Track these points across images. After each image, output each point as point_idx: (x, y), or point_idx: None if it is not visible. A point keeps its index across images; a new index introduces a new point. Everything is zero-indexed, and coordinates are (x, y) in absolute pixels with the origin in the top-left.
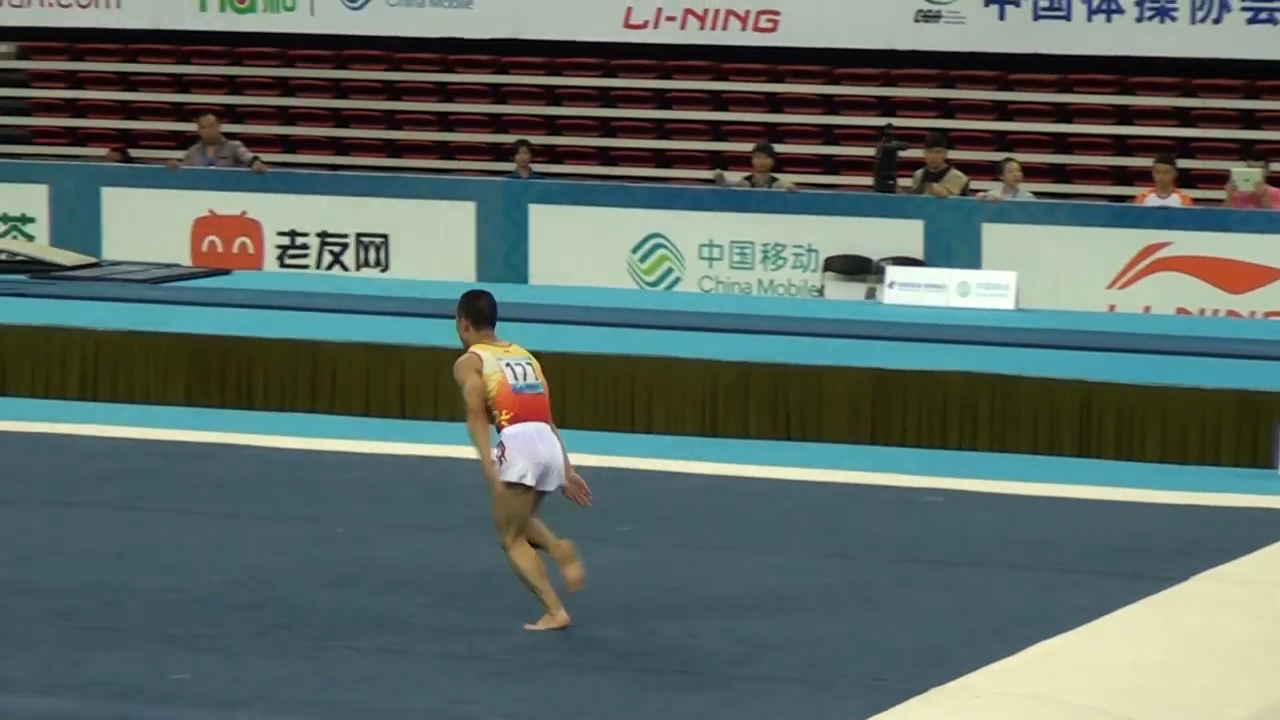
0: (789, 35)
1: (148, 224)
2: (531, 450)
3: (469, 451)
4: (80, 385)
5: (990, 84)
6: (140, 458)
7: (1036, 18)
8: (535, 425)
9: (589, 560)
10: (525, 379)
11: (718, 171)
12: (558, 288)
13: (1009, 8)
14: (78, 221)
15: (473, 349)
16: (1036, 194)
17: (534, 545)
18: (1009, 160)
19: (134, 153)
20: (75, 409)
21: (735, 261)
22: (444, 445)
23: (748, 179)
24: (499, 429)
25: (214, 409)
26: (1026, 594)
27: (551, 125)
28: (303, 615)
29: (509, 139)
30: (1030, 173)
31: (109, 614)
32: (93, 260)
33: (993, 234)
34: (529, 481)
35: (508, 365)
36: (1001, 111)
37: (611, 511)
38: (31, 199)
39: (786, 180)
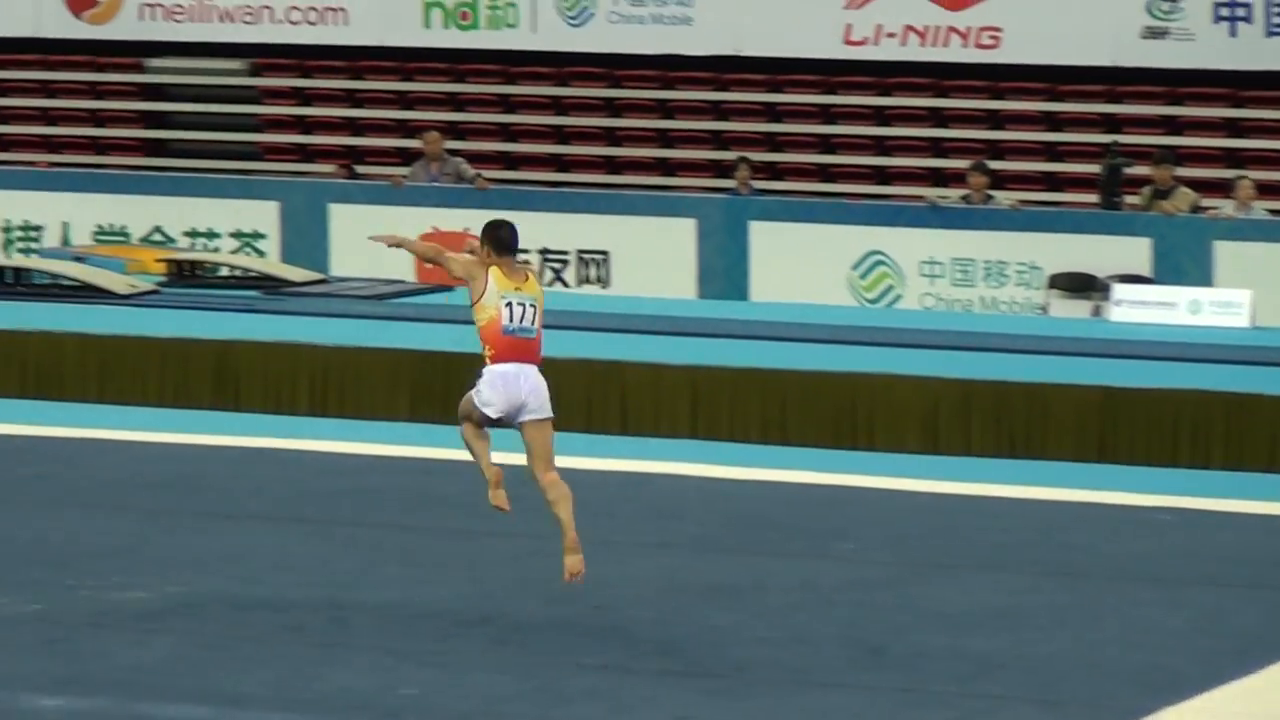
0: (1011, 52)
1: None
2: (506, 389)
3: (693, 468)
4: (310, 400)
5: (1221, 101)
6: (367, 473)
7: (1269, 34)
8: (518, 366)
9: (815, 578)
10: (520, 321)
11: (930, 199)
12: (779, 304)
13: (1240, 24)
14: (306, 237)
15: (491, 267)
16: (1272, 211)
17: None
18: (1242, 178)
19: (360, 169)
20: (304, 424)
21: (957, 279)
22: (666, 462)
23: (964, 198)
24: (483, 363)
25: (438, 424)
26: (1264, 614)
27: (772, 142)
28: (527, 631)
29: (729, 156)
30: (1265, 190)
31: (338, 629)
32: (321, 276)
33: (1226, 252)
34: (492, 414)
35: (508, 304)
36: (1233, 128)
37: (834, 529)
38: (263, 215)
39: (1006, 198)
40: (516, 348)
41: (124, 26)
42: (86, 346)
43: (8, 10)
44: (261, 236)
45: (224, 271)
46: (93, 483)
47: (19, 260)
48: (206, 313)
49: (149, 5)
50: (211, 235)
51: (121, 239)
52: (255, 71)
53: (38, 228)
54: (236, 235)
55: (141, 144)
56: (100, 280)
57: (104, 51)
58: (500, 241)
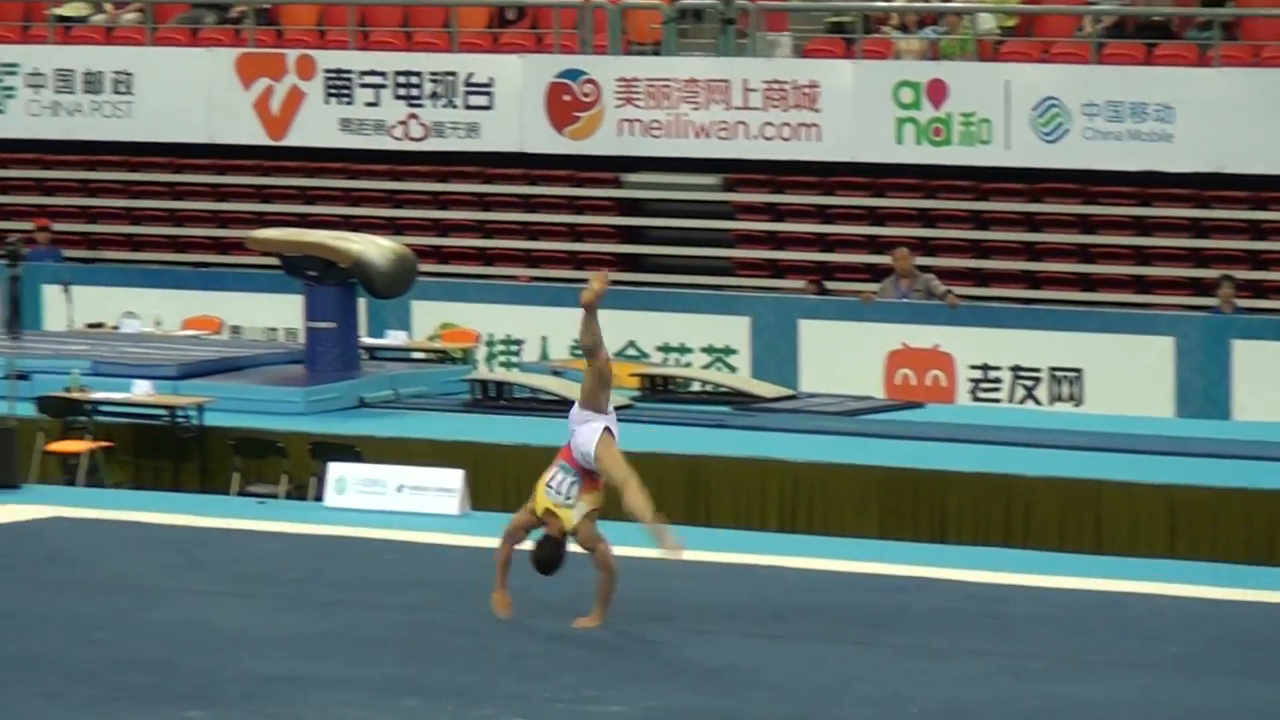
0: None
1: (842, 356)
2: None
3: (1171, 588)
4: (780, 516)
5: None
6: (838, 590)
7: None
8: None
9: None
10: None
11: None
12: (1263, 424)
13: None
14: (776, 353)
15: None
16: None
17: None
18: None
19: (829, 285)
20: (774, 539)
21: None
22: (1143, 581)
23: None
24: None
25: (908, 541)
26: None
27: (1255, 260)
28: None
29: (1210, 273)
30: None
31: None
32: (791, 392)
33: None
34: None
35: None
36: None
37: None
38: (734, 330)
39: None
40: None
41: (603, 142)
42: None
43: (496, 125)
44: (733, 351)
45: (696, 386)
46: (568, 595)
47: (500, 374)
48: (678, 427)
49: (628, 121)
50: (684, 350)
51: None
52: (729, 186)
53: (518, 341)
54: (708, 350)
55: (617, 258)
56: (576, 394)
57: (583, 166)
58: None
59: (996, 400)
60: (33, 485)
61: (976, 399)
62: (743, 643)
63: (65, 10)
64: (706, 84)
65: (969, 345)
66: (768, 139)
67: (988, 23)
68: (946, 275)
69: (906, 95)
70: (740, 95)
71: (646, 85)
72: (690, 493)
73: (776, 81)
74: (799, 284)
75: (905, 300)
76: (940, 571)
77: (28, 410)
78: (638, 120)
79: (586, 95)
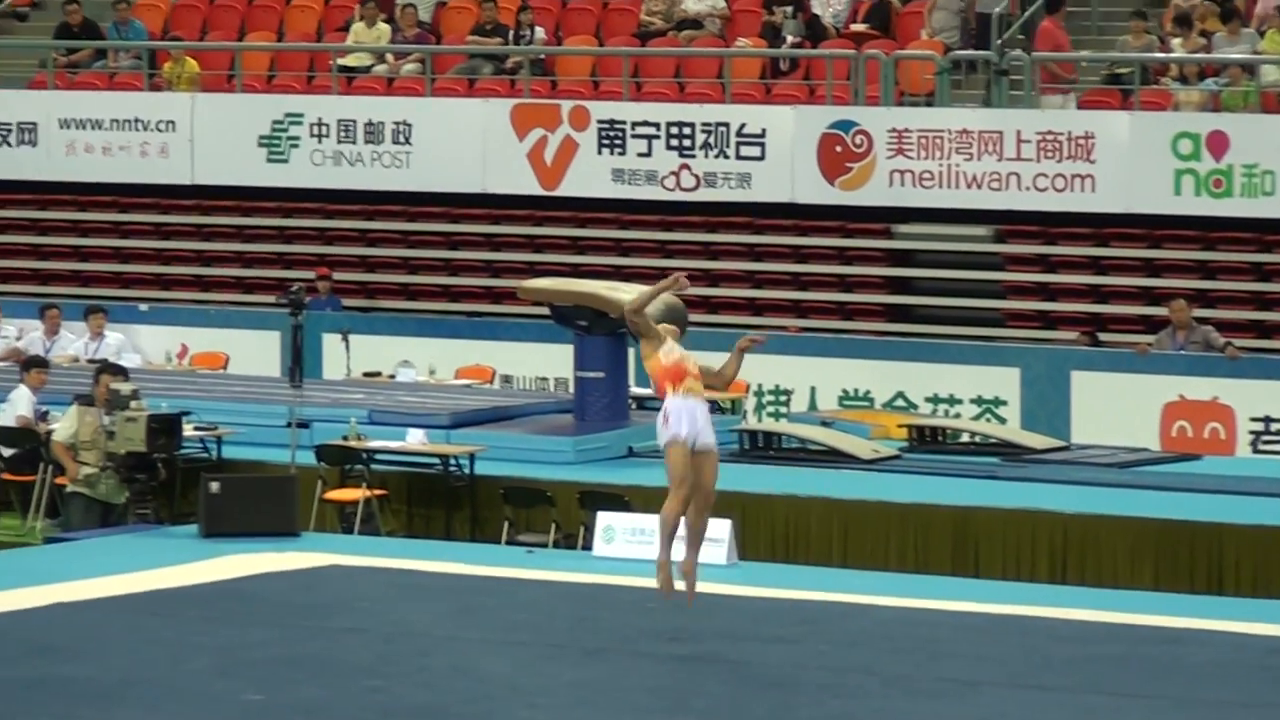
0: None
1: (1116, 408)
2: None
3: None
4: (1050, 568)
5: None
6: (1111, 641)
7: None
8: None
9: None
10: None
11: None
12: None
13: None
14: (1047, 404)
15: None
16: None
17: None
18: None
19: (1103, 336)
20: (1044, 591)
21: None
22: None
23: None
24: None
25: (1183, 593)
26: None
27: None
28: None
29: None
30: None
31: None
32: (1062, 444)
33: None
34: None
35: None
36: None
37: None
38: (1004, 382)
39: None
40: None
41: (874, 193)
42: (831, 510)
43: (768, 176)
44: (1002, 403)
45: (965, 437)
46: (835, 646)
47: (769, 424)
48: (947, 479)
49: (899, 171)
50: (953, 401)
51: (865, 404)
52: (1000, 238)
53: (787, 392)
54: (977, 401)
55: (886, 310)
56: (845, 445)
57: (854, 217)
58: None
59: (1278, 453)
60: (311, 534)
61: (1258, 451)
62: (1013, 693)
63: (348, 60)
64: (979, 135)
65: (1250, 397)
66: (1040, 190)
67: (1271, 74)
68: (1226, 328)
69: (1185, 146)
70: (1013, 146)
71: (919, 136)
72: (959, 544)
73: (1051, 132)
74: (1071, 335)
75: (1182, 352)
76: (1217, 624)
77: (307, 458)
78: (909, 171)
79: (858, 146)
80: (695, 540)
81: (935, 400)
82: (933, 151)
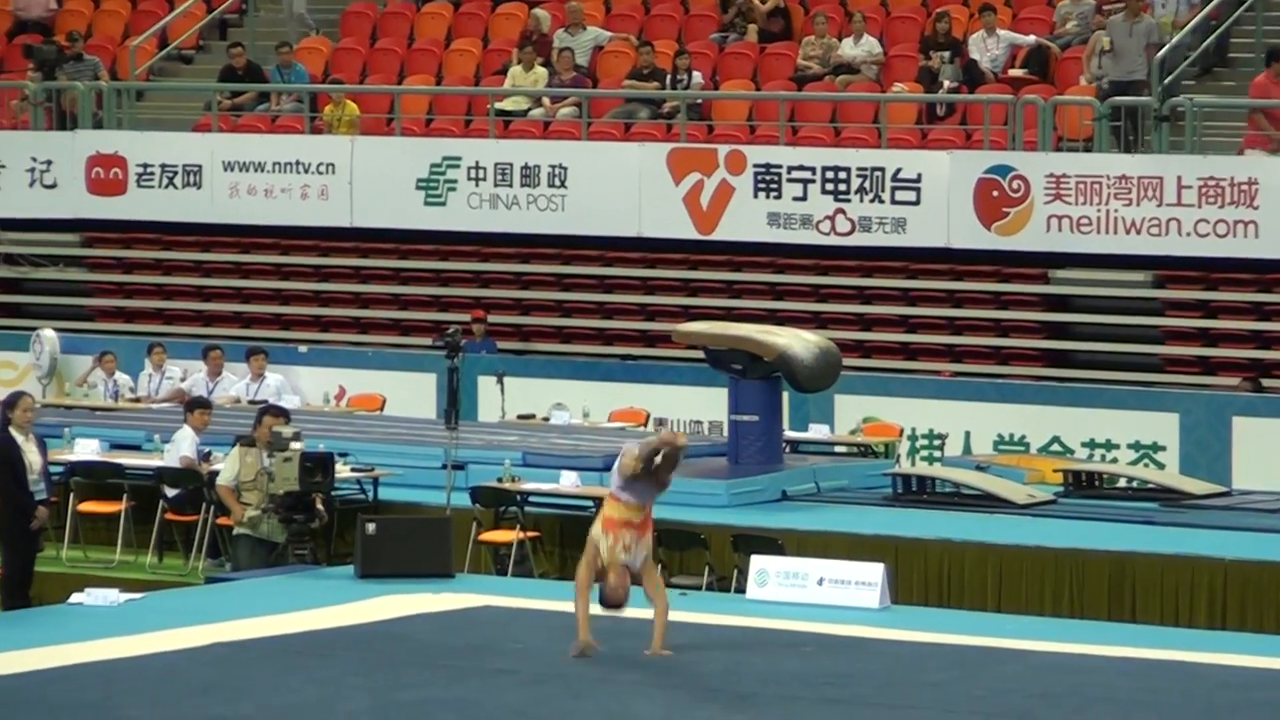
0: None
1: (1279, 454)
2: None
3: None
4: (1209, 614)
5: None
6: (1270, 688)
7: None
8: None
9: None
10: None
11: None
12: None
13: None
14: (1207, 450)
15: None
16: None
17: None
18: None
19: (1265, 382)
20: (1203, 637)
21: None
22: None
23: None
24: None
25: None
26: None
27: None
28: None
29: None
30: None
31: None
32: (1223, 489)
33: None
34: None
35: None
36: None
37: None
38: (1162, 427)
39: None
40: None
41: (1031, 238)
42: (985, 555)
43: (923, 221)
44: (1161, 448)
45: (1122, 482)
46: (990, 691)
47: (922, 468)
48: (1103, 524)
49: (1057, 217)
50: (1110, 446)
51: (1021, 449)
52: (1159, 284)
53: (941, 436)
54: (1135, 446)
55: (1042, 354)
56: (1000, 490)
57: (1010, 262)
58: None
59: None
60: (466, 575)
61: None
62: None
63: (506, 104)
64: (1139, 180)
65: None
66: (1201, 236)
67: None
68: None
69: None
70: (1174, 192)
71: (1076, 181)
72: (1115, 589)
73: (1212, 178)
74: (1232, 381)
75: None
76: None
77: (463, 500)
78: (1067, 216)
79: (1015, 191)
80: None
81: (1092, 445)
82: (1091, 197)
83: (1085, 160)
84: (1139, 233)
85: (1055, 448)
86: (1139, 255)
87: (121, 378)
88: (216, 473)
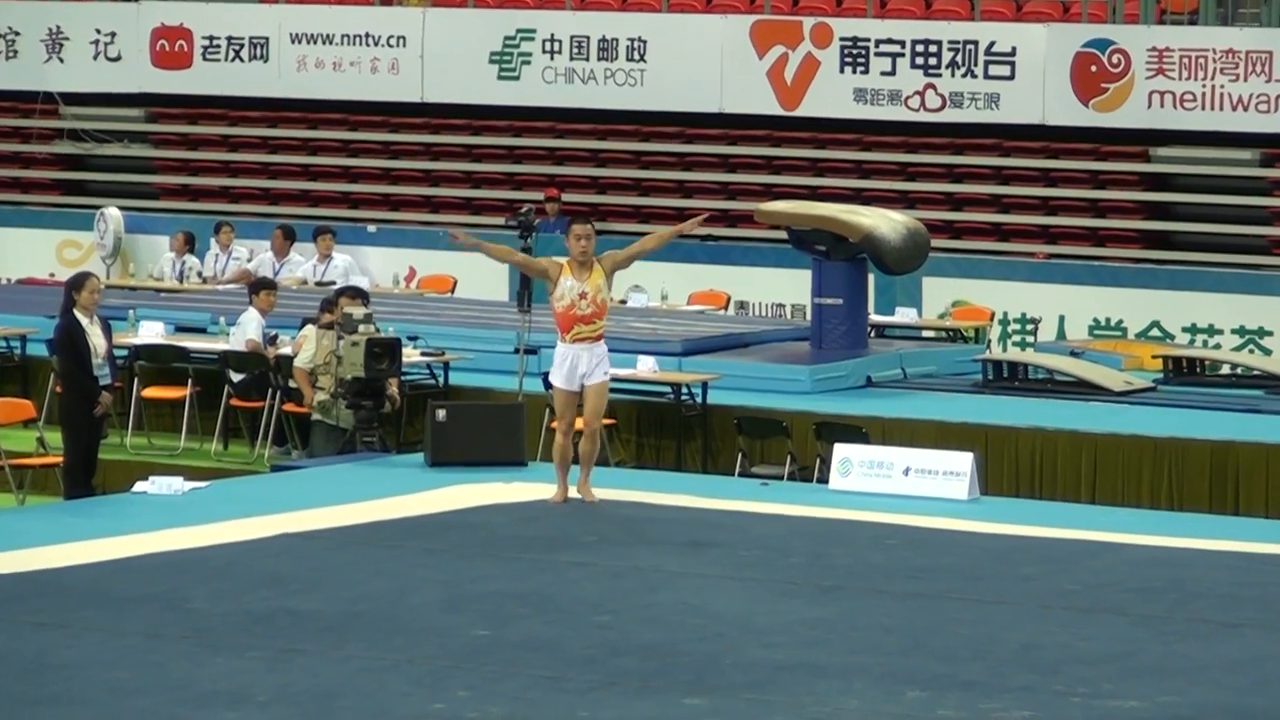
0: None
1: None
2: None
3: None
4: None
5: None
6: None
7: None
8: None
9: None
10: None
11: None
12: None
13: None
14: None
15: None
16: None
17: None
18: None
19: None
20: None
21: None
22: None
23: None
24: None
25: None
26: None
27: None
28: None
29: None
30: None
31: None
32: None
33: None
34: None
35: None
36: None
37: None
38: (1269, 311)
39: None
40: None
41: (1131, 114)
42: (1080, 444)
43: (1017, 97)
44: (1267, 333)
45: (1225, 369)
46: (1083, 586)
47: (1014, 354)
48: (1205, 412)
49: (1159, 93)
50: (1212, 331)
51: (1118, 334)
52: (1266, 162)
53: (1034, 321)
54: (1239, 331)
55: (1141, 235)
56: (1096, 376)
57: (1108, 140)
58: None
59: None
60: (538, 463)
61: None
62: (1273, 636)
63: None
64: (1246, 55)
65: None
66: None
67: None
68: None
69: None
70: None
71: (1180, 56)
72: (1217, 480)
73: None
74: None
75: None
76: None
77: (535, 386)
78: (1169, 92)
79: (1115, 66)
80: (583, 464)
81: (1193, 330)
82: (1195, 72)
83: (1190, 33)
84: (1245, 109)
85: (1154, 333)
86: (1245, 133)
87: (190, 259)
88: (282, 357)
